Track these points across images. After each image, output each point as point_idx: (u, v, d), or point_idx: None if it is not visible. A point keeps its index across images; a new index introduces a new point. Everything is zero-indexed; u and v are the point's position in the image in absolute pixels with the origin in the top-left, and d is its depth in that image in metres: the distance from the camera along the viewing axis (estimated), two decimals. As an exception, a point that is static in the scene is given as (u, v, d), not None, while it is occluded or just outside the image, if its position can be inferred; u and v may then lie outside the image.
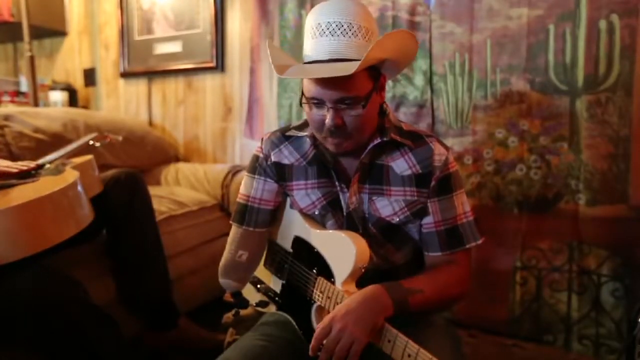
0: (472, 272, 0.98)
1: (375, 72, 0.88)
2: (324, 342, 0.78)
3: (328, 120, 0.85)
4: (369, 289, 0.83)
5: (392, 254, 1.00)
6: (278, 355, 0.92)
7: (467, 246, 0.95)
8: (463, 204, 0.96)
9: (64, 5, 2.75)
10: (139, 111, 2.63)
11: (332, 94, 0.84)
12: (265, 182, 1.05)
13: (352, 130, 0.88)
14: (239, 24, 2.28)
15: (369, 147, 0.93)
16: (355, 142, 0.91)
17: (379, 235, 0.97)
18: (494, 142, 1.67)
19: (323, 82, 0.84)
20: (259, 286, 1.11)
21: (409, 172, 0.94)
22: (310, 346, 0.80)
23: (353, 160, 0.96)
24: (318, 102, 0.86)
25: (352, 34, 0.83)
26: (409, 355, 0.73)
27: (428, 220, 0.95)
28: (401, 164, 0.95)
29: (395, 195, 0.95)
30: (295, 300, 0.99)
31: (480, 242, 0.96)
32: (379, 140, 0.93)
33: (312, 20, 0.86)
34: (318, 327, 0.80)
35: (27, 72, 2.37)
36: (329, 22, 0.83)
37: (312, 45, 0.86)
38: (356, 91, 0.84)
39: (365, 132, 0.91)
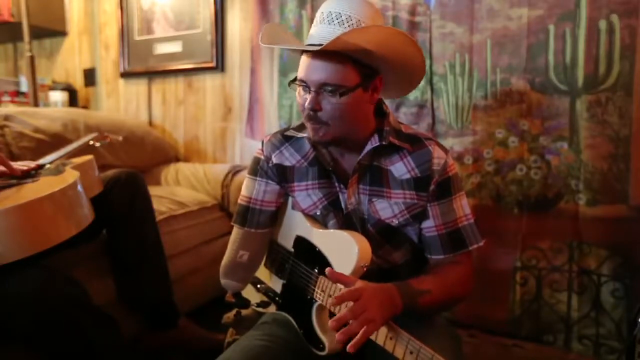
0: (474, 272, 0.98)
1: (366, 69, 0.88)
2: (350, 303, 0.76)
3: (307, 103, 0.88)
4: (385, 285, 0.83)
5: (389, 254, 1.00)
6: (278, 354, 0.92)
7: (470, 248, 0.95)
8: (463, 207, 0.97)
9: (64, 5, 2.75)
10: (139, 111, 2.62)
11: (315, 78, 0.86)
12: (266, 184, 1.05)
13: (329, 119, 0.88)
14: (239, 24, 2.28)
15: (366, 149, 0.93)
16: (333, 134, 0.90)
17: (378, 236, 0.97)
18: (494, 142, 1.67)
19: (310, 65, 0.87)
20: (259, 286, 1.11)
21: (407, 175, 0.94)
22: (337, 297, 0.77)
23: (351, 161, 0.96)
24: (304, 85, 0.89)
25: (349, 25, 0.84)
26: (411, 352, 0.73)
27: (429, 224, 0.95)
28: (400, 168, 0.95)
29: (395, 198, 0.95)
30: (296, 300, 0.99)
31: (482, 243, 0.96)
32: (377, 143, 0.93)
33: (320, 9, 0.89)
34: (350, 289, 0.77)
35: (27, 72, 2.36)
36: (330, 11, 0.86)
37: (312, 32, 0.89)
38: (339, 80, 0.85)
39: (346, 125, 0.90)
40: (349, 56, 0.85)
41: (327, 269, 0.81)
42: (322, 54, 0.85)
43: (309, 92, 0.88)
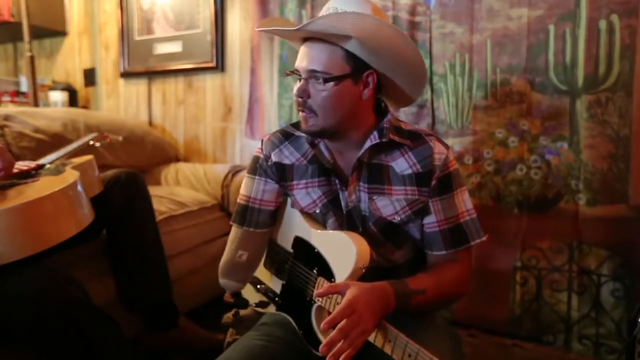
0: (472, 270, 0.98)
1: (357, 62, 0.89)
2: (342, 321, 0.75)
3: (296, 89, 0.90)
4: (381, 285, 0.83)
5: (391, 253, 1.00)
6: (278, 355, 0.92)
7: (472, 243, 0.95)
8: (465, 202, 0.96)
9: (64, 5, 2.75)
10: (139, 111, 2.63)
11: (304, 65, 0.90)
12: (266, 183, 1.05)
13: (317, 108, 0.90)
14: (239, 24, 2.28)
15: (366, 146, 0.93)
16: (322, 124, 0.91)
17: (379, 234, 0.97)
18: (494, 142, 1.67)
19: (302, 54, 0.91)
20: (258, 286, 1.11)
21: (409, 171, 0.94)
22: (328, 320, 0.76)
23: (351, 159, 0.96)
24: (297, 74, 0.92)
25: None
26: (410, 355, 0.73)
27: (431, 219, 0.95)
28: (401, 163, 0.95)
29: (397, 195, 0.94)
30: (295, 300, 0.99)
31: (484, 238, 0.96)
32: (377, 140, 0.93)
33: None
34: (341, 308, 0.76)
35: (27, 72, 2.36)
36: (328, 7, 0.90)
37: None
38: (326, 67, 0.88)
39: (334, 117, 0.91)
40: (341, 47, 0.87)
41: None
42: (314, 42, 0.89)
43: (300, 80, 0.91)
